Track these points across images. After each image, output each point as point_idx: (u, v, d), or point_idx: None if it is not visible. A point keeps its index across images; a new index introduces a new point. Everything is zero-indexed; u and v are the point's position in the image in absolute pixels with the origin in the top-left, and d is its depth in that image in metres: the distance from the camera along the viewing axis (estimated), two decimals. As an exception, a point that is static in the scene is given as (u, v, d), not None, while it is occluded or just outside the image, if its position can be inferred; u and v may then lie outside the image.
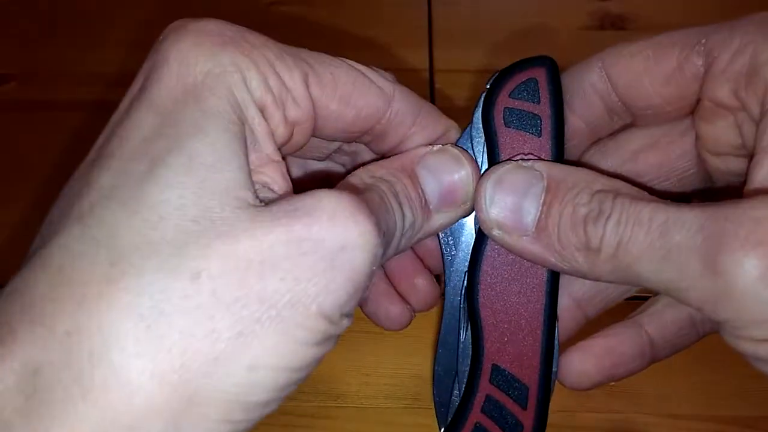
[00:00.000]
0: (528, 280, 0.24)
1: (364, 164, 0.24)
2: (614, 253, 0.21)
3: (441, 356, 0.26)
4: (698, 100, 0.23)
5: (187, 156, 0.18)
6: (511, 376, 0.24)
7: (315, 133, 0.22)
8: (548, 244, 0.22)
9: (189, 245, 0.17)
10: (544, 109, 0.24)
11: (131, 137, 0.19)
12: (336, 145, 0.26)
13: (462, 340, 0.25)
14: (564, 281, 0.25)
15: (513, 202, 0.22)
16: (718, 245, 0.19)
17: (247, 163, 0.19)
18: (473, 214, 0.24)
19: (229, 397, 0.18)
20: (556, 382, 0.25)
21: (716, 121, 0.23)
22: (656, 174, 0.25)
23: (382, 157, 0.25)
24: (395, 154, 0.24)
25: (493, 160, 0.24)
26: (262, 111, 0.20)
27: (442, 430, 0.25)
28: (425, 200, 0.23)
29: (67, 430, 0.16)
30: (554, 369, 0.25)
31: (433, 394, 0.26)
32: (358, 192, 0.21)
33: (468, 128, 0.25)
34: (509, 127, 0.24)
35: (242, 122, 0.20)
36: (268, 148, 0.20)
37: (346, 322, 0.19)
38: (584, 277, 0.22)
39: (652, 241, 0.20)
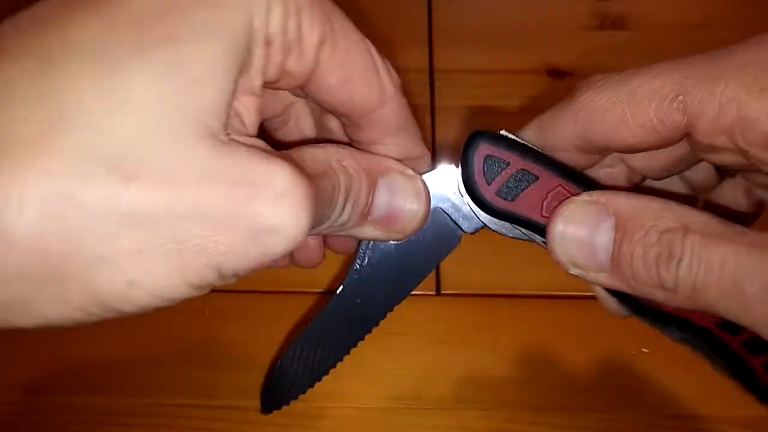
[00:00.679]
0: None
1: (333, 141, 0.24)
2: (691, 295, 0.21)
3: (295, 348, 0.27)
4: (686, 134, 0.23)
5: (176, 57, 0.18)
6: None
7: (299, 89, 0.22)
8: (624, 279, 0.22)
9: (134, 149, 0.17)
10: (518, 162, 0.25)
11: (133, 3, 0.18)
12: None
13: (336, 344, 0.26)
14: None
15: (585, 240, 0.23)
16: None
17: (232, 89, 0.19)
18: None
19: (95, 292, 0.18)
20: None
21: (711, 153, 0.23)
22: (659, 174, 0.26)
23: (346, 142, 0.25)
24: (360, 147, 0.24)
25: (529, 225, 0.25)
26: (266, 45, 0.20)
27: None
28: (368, 209, 0.23)
29: None
30: None
31: (269, 380, 0.27)
32: (314, 175, 0.21)
33: (437, 169, 0.26)
34: (508, 199, 0.25)
35: (246, 47, 0.19)
36: (256, 81, 0.20)
37: (233, 280, 0.20)
38: (665, 303, 0.23)
39: (725, 289, 0.20)
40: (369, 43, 0.23)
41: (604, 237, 0.22)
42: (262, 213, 0.18)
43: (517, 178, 0.25)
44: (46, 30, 0.18)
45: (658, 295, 0.22)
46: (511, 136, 0.25)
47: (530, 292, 0.40)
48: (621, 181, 0.27)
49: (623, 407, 0.36)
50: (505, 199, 0.25)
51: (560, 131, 0.25)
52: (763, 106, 0.21)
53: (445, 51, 0.52)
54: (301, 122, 0.26)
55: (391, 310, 0.27)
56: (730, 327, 0.23)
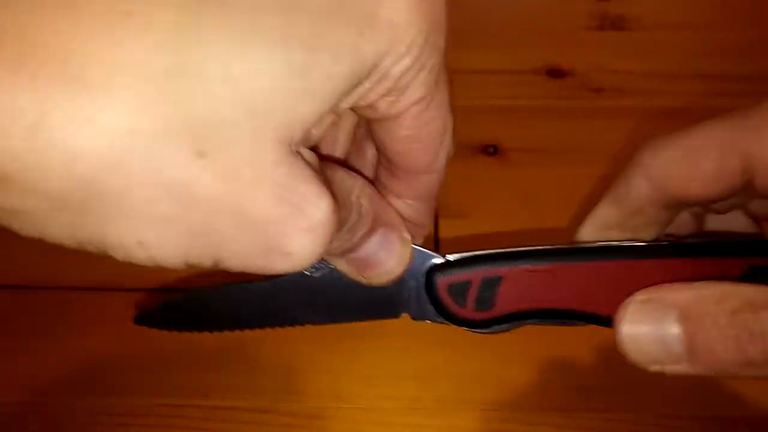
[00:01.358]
0: None
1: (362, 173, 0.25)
2: None
3: (225, 292, 0.26)
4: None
5: (306, 60, 0.18)
6: None
7: (367, 119, 0.23)
8: (708, 365, 0.23)
9: (220, 127, 0.17)
10: (477, 275, 0.26)
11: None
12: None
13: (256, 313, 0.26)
14: None
15: (654, 337, 0.23)
16: None
17: (330, 109, 0.19)
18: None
19: (104, 235, 0.18)
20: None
21: None
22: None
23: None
24: (380, 188, 0.25)
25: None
26: (378, 81, 0.20)
27: None
28: (355, 248, 0.24)
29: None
30: None
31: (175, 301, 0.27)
32: (337, 203, 0.21)
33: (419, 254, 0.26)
34: (488, 309, 0.26)
35: (365, 77, 0.20)
36: (346, 104, 0.20)
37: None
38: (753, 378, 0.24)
39: None
40: (451, 119, 0.24)
41: (673, 331, 0.23)
42: (288, 236, 0.19)
43: (485, 288, 0.25)
44: None
45: (747, 372, 0.22)
46: (456, 257, 0.26)
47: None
48: (687, 219, 0.27)
49: (623, 407, 0.36)
50: (485, 310, 0.26)
51: (636, 194, 0.25)
52: None
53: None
54: (337, 142, 0.26)
55: (311, 324, 0.27)
56: None
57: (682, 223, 0.27)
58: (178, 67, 0.17)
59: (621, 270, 0.25)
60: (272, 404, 0.36)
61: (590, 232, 0.27)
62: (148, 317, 0.28)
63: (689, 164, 0.24)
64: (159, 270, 0.19)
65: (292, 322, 0.27)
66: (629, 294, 0.24)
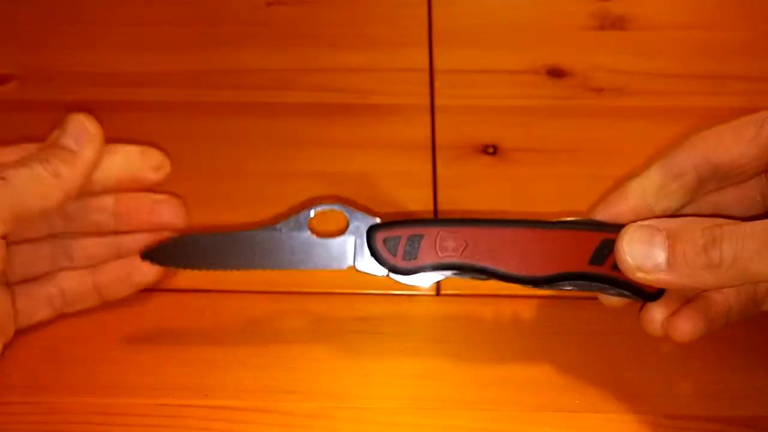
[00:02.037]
0: None
1: None
2: (732, 263, 0.29)
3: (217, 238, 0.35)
4: None
5: None
6: None
7: None
8: (680, 272, 0.30)
9: None
10: (405, 233, 0.34)
11: None
12: None
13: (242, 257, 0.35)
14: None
15: (645, 250, 0.31)
16: None
17: None
18: None
19: None
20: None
21: None
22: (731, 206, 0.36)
23: None
24: None
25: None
26: None
27: None
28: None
29: None
30: None
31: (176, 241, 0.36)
32: None
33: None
34: (412, 259, 0.34)
35: None
36: None
37: None
38: (711, 287, 0.34)
39: (758, 246, 0.29)
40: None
41: (660, 247, 0.31)
42: None
43: (410, 243, 0.34)
44: None
45: (706, 276, 0.30)
46: (390, 222, 0.35)
47: (530, 293, 0.39)
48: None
49: (623, 407, 0.36)
50: (410, 260, 0.34)
51: (682, 159, 0.34)
52: None
53: (444, 51, 0.52)
54: None
55: (277, 268, 0.35)
56: None
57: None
58: None
59: (513, 235, 0.34)
60: (272, 404, 0.36)
61: (635, 194, 0.34)
62: (152, 254, 0.35)
63: (732, 133, 0.33)
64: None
65: (260, 266, 0.35)
66: (521, 253, 0.33)
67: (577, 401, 0.36)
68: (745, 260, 0.29)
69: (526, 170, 0.45)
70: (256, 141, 0.47)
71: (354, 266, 0.35)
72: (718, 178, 0.34)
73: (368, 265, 0.35)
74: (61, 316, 0.39)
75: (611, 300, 0.36)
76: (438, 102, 0.49)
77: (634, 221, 0.32)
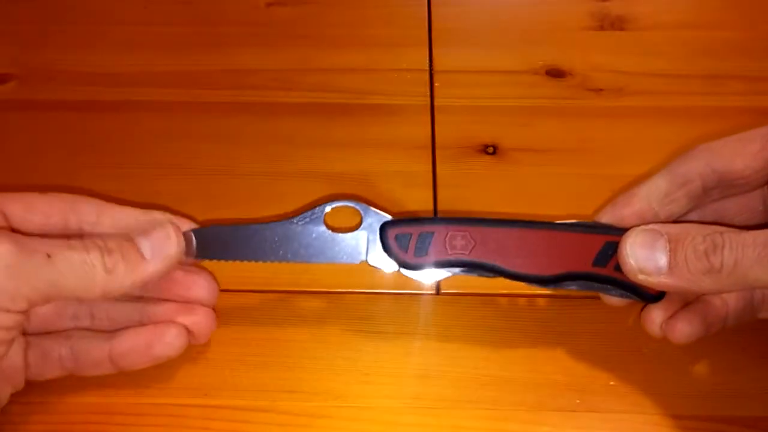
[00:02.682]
0: None
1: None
2: (732, 270, 0.30)
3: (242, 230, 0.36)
4: None
5: None
6: None
7: None
8: (680, 276, 0.31)
9: None
10: (416, 230, 0.35)
11: None
12: None
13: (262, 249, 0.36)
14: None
15: (647, 253, 0.32)
16: None
17: None
18: None
19: None
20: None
21: None
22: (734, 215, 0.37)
23: None
24: None
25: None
26: None
27: None
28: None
29: None
30: None
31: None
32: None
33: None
34: (423, 255, 0.35)
35: None
36: None
37: None
38: (710, 292, 0.34)
39: (759, 254, 0.29)
40: None
41: (661, 251, 0.31)
42: None
43: (421, 240, 0.35)
44: None
45: (706, 281, 0.31)
46: (402, 218, 0.36)
47: (530, 292, 0.40)
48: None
49: (623, 407, 0.36)
50: (421, 256, 0.35)
51: (688, 168, 0.34)
52: None
53: (444, 51, 0.52)
54: None
55: (292, 261, 0.36)
56: None
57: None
58: None
59: (521, 235, 0.35)
60: (272, 404, 0.36)
61: (641, 199, 0.34)
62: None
63: (738, 145, 0.34)
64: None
65: (276, 258, 0.36)
66: (528, 252, 0.34)
67: (577, 401, 0.36)
68: (745, 267, 0.30)
69: (525, 170, 0.45)
70: (255, 141, 0.47)
71: (366, 261, 0.36)
72: (722, 187, 0.35)
73: (380, 259, 0.36)
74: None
75: (613, 300, 0.36)
76: (438, 102, 0.49)
77: (639, 225, 0.33)
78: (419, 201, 0.44)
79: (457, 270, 0.35)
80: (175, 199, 0.42)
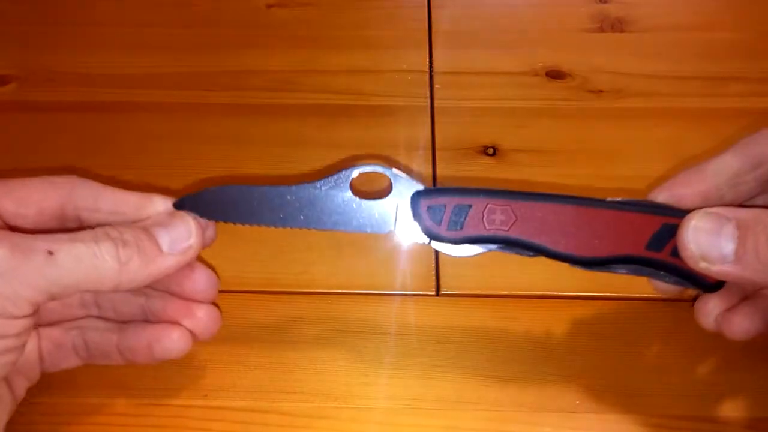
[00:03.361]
0: None
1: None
2: None
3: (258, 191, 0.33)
4: None
5: None
6: None
7: None
8: (748, 266, 0.28)
9: None
10: (451, 201, 0.32)
11: None
12: None
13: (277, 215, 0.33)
14: None
15: (712, 240, 0.29)
16: None
17: None
18: None
19: None
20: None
21: None
22: None
23: None
24: None
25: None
26: None
27: None
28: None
29: None
30: None
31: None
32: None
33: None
34: (458, 229, 0.32)
35: None
36: None
37: None
38: None
39: None
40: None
41: (728, 238, 0.29)
42: None
43: (456, 212, 0.32)
44: None
45: None
46: (436, 189, 0.32)
47: (530, 293, 0.40)
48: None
49: (623, 407, 0.36)
50: (455, 230, 0.32)
51: (761, 149, 0.32)
52: None
53: (445, 53, 0.52)
54: None
55: (316, 228, 0.33)
56: None
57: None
58: None
59: (568, 212, 0.31)
60: (272, 405, 0.36)
61: (707, 178, 0.32)
62: (185, 202, 0.33)
63: None
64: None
65: (295, 224, 0.33)
66: (574, 231, 0.31)
67: (577, 402, 0.36)
68: None
69: (525, 171, 0.45)
70: (256, 142, 0.47)
71: (394, 232, 0.33)
72: None
73: (409, 231, 0.33)
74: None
75: (663, 287, 0.34)
76: (438, 103, 0.49)
77: (701, 207, 0.30)
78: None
79: (493, 246, 0.32)
80: (175, 199, 0.42)
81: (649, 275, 0.33)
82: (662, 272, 0.32)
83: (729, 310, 0.33)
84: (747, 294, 0.33)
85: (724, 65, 0.51)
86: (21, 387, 0.33)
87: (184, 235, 0.31)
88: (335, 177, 0.33)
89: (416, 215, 0.32)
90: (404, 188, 0.32)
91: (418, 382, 0.36)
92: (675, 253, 0.30)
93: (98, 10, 0.55)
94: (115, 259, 0.29)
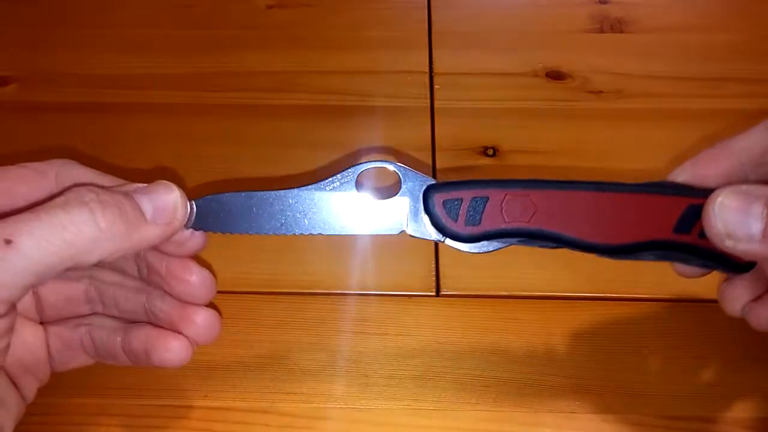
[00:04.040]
0: None
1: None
2: None
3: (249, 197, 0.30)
4: None
5: None
6: None
7: None
8: None
9: None
10: (467, 194, 0.30)
11: None
12: None
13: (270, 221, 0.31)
14: None
15: (739, 216, 0.27)
16: None
17: None
18: None
19: None
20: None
21: None
22: None
23: None
24: None
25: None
26: None
27: None
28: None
29: None
30: None
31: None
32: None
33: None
34: (476, 224, 0.30)
35: None
36: None
37: None
38: None
39: None
40: None
41: (757, 216, 0.27)
42: None
43: (473, 206, 0.30)
44: None
45: None
46: (450, 182, 0.30)
47: (530, 293, 0.40)
48: None
49: (624, 408, 0.36)
50: (473, 225, 0.30)
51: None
52: None
53: (444, 54, 0.52)
54: None
55: (323, 233, 0.31)
56: None
57: None
58: None
59: (591, 199, 0.29)
60: (272, 405, 0.36)
61: (733, 155, 0.30)
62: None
63: None
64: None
65: (301, 230, 0.31)
66: (598, 219, 0.29)
67: (577, 402, 0.36)
68: None
69: (525, 172, 0.45)
70: (257, 143, 0.47)
71: (406, 231, 0.31)
72: None
73: (423, 230, 0.30)
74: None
75: (689, 271, 0.32)
76: (438, 104, 0.49)
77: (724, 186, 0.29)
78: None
79: (514, 240, 0.30)
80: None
81: (677, 260, 0.31)
82: (691, 256, 0.30)
83: (758, 299, 0.31)
84: None
85: (724, 66, 0.51)
86: (31, 387, 0.31)
87: (168, 203, 0.28)
88: (340, 176, 0.31)
89: (430, 212, 0.30)
90: (414, 183, 0.30)
91: (418, 383, 0.36)
92: (703, 234, 0.29)
93: (98, 11, 0.55)
94: (93, 225, 0.26)
